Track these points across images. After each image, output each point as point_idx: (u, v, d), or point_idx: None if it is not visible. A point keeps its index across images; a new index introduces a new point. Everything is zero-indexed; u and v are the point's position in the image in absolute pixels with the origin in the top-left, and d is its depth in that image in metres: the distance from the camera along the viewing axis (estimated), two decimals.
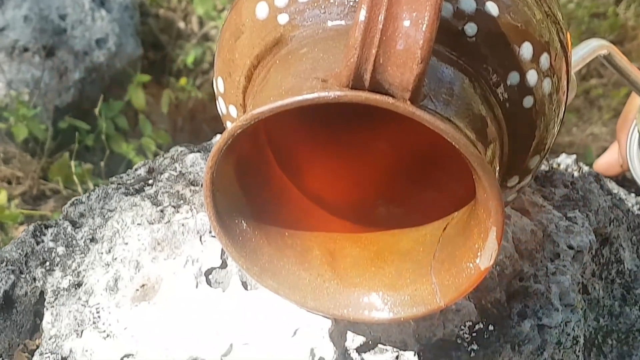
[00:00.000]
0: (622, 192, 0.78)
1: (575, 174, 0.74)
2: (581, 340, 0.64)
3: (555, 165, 0.77)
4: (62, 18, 1.63)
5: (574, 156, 0.86)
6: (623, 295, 0.72)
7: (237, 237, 0.54)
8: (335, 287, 0.56)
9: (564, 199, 0.69)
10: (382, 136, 0.65)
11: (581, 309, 0.66)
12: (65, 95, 1.63)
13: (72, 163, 1.51)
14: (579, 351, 0.64)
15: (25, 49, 1.60)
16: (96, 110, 1.54)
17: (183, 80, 1.76)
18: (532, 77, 0.53)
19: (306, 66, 0.51)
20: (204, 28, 1.93)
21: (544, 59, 0.53)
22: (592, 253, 0.67)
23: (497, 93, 0.53)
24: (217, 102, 0.59)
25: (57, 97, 1.62)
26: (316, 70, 0.50)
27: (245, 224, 0.55)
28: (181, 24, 2.01)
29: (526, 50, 0.53)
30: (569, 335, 0.63)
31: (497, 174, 0.53)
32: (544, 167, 0.74)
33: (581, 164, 0.82)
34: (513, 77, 0.53)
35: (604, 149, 1.75)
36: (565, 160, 0.81)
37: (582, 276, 0.65)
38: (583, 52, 0.75)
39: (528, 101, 0.54)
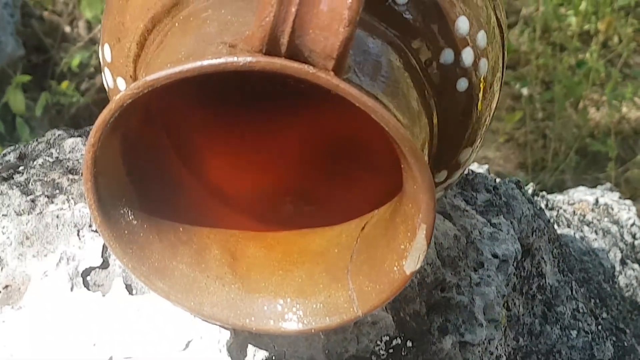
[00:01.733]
0: (541, 202, 0.72)
1: (497, 179, 0.68)
2: None
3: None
4: None
5: (486, 166, 0.81)
6: (544, 312, 0.66)
7: (123, 231, 0.46)
8: (236, 293, 0.48)
9: (486, 204, 0.63)
10: (295, 123, 0.57)
11: (503, 326, 0.60)
12: None
13: None
14: None
15: None
16: None
17: (65, 84, 1.65)
18: (467, 56, 0.47)
19: (211, 30, 0.44)
20: (92, 31, 1.83)
21: (481, 36, 0.47)
22: (515, 264, 0.61)
23: (428, 73, 0.47)
24: (102, 74, 0.50)
25: None
26: (223, 34, 0.43)
27: (132, 216, 0.47)
28: (67, 28, 1.90)
29: (462, 25, 0.46)
30: (492, 354, 0.57)
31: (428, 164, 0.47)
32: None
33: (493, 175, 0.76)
34: (447, 55, 0.46)
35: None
36: (478, 170, 0.75)
37: (506, 288, 0.59)
38: None
39: (462, 84, 0.47)
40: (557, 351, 0.66)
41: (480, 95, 0.48)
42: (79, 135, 0.59)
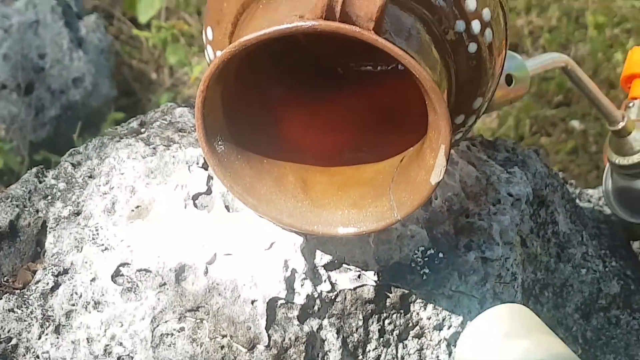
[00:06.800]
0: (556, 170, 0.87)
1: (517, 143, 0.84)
2: (519, 279, 0.73)
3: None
4: (41, 57, 1.70)
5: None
6: (558, 253, 0.81)
7: (222, 159, 0.63)
8: (307, 207, 0.64)
9: (505, 160, 0.79)
10: (353, 95, 0.74)
11: (519, 255, 0.75)
12: (41, 131, 1.68)
13: None
14: (517, 287, 0.73)
15: (4, 86, 1.66)
16: (74, 137, 1.61)
17: None
18: (476, 26, 0.63)
19: (286, 8, 0.61)
20: (175, 75, 2.02)
21: (486, 12, 0.63)
22: (529, 206, 0.76)
23: (446, 38, 0.63)
24: (205, 51, 0.68)
25: (33, 132, 1.67)
26: (295, 9, 0.60)
27: (228, 149, 0.63)
28: (153, 75, 2.10)
29: (470, 3, 0.63)
30: (508, 270, 0.72)
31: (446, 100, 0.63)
32: (488, 137, 0.84)
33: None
34: (460, 25, 0.63)
35: None
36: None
37: (520, 223, 0.74)
38: (543, 59, 0.86)
39: (472, 47, 0.64)
40: (569, 285, 0.81)
41: (488, 55, 0.64)
42: (186, 106, 0.76)
